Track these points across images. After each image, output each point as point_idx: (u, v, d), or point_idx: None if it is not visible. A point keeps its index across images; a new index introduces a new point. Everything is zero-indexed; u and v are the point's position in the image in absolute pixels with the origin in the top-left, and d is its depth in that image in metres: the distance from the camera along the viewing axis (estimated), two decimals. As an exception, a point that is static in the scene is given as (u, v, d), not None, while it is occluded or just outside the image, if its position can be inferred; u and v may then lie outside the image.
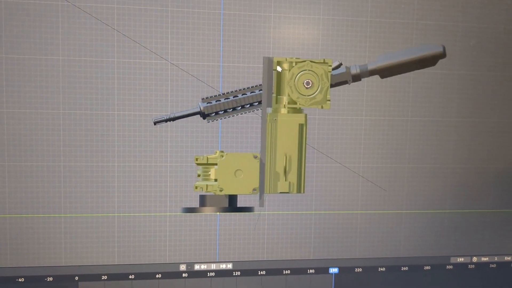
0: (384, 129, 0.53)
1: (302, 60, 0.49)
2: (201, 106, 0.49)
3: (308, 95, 0.49)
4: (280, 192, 0.50)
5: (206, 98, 0.49)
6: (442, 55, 0.51)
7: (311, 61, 0.49)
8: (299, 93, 0.49)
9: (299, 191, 0.50)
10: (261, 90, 0.49)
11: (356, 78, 0.50)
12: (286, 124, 0.49)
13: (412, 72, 0.52)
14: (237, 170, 0.49)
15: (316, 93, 0.49)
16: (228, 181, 0.49)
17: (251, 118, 0.50)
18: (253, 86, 0.50)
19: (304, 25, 0.50)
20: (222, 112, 0.49)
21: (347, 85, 0.51)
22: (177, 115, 0.49)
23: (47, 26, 0.47)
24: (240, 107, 0.49)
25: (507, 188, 0.56)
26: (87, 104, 0.48)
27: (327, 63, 0.49)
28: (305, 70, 0.49)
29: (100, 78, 0.48)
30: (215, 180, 0.49)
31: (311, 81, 0.49)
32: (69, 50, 0.47)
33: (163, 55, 0.48)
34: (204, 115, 0.49)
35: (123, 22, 0.48)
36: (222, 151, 0.50)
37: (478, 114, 0.54)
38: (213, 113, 0.49)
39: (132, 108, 0.49)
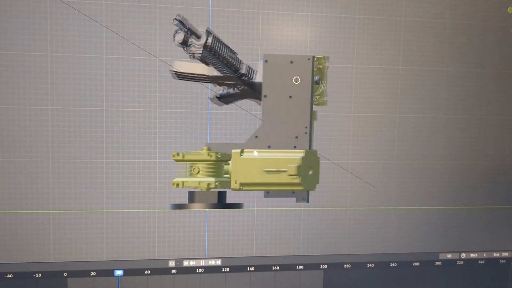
0: (373, 126, 0.53)
1: (318, 57, 0.49)
2: (206, 35, 0.47)
3: (316, 92, 0.49)
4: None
5: (210, 32, 0.48)
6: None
7: (317, 58, 0.49)
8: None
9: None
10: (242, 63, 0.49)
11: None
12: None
13: (400, 69, 0.52)
14: (310, 167, 0.50)
15: (321, 89, 0.49)
16: (306, 177, 0.49)
17: (239, 115, 0.50)
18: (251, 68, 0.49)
19: (292, 22, 0.50)
20: (217, 55, 0.47)
21: (336, 82, 0.51)
22: (190, 27, 0.47)
23: (36, 23, 0.47)
24: (225, 63, 0.47)
25: (495, 185, 0.56)
26: (76, 100, 0.48)
27: (324, 59, 0.49)
28: (315, 67, 0.49)
29: (89, 74, 0.48)
30: (297, 176, 0.49)
31: (320, 77, 0.49)
32: (58, 46, 0.47)
33: (151, 52, 0.48)
34: (205, 45, 0.47)
35: (111, 18, 0.48)
36: (209, 148, 0.50)
37: (467, 110, 0.54)
38: (211, 48, 0.47)
39: (120, 104, 0.49)
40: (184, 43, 0.47)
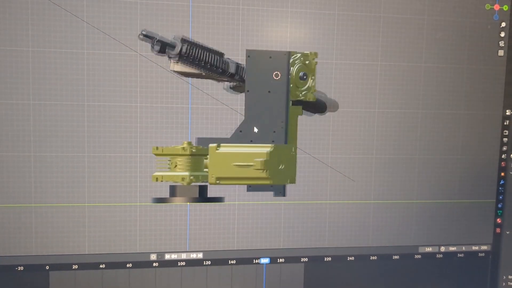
0: (353, 120, 0.54)
1: (294, 52, 0.50)
2: (181, 44, 0.48)
3: (301, 88, 0.50)
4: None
5: (186, 40, 0.48)
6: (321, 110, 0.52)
7: (303, 54, 0.50)
8: (296, 85, 0.50)
9: (293, 181, 0.52)
10: (238, 64, 0.49)
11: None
12: (291, 117, 0.50)
13: (379, 65, 0.53)
14: (280, 161, 0.50)
15: (308, 85, 0.50)
16: (275, 171, 0.50)
17: (220, 110, 0.51)
18: (229, 58, 0.50)
19: (272, 18, 0.51)
20: (197, 61, 0.48)
21: (317, 77, 0.52)
22: (160, 39, 0.48)
23: (17, 18, 0.47)
24: (209, 66, 0.48)
25: (474, 179, 0.57)
26: (57, 95, 0.48)
27: (314, 55, 0.50)
28: (300, 63, 0.50)
29: (70, 69, 0.48)
30: (264, 170, 0.49)
31: (306, 73, 0.50)
32: (39, 41, 0.48)
33: (132, 47, 0.49)
34: (180, 54, 0.48)
35: (92, 13, 0.48)
36: (190, 142, 0.50)
37: (445, 106, 0.55)
38: (189, 56, 0.48)
39: (101, 99, 0.49)
40: (163, 52, 0.48)
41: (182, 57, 0.48)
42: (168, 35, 0.49)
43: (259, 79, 0.50)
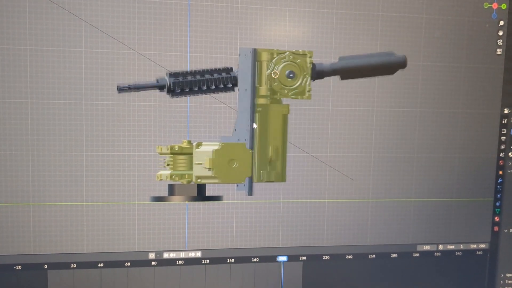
0: (351, 119, 0.54)
1: (283, 51, 0.50)
2: (169, 80, 0.49)
3: (290, 86, 0.50)
4: (267, 181, 0.51)
5: (173, 73, 0.49)
6: (403, 65, 0.52)
7: (292, 52, 0.50)
8: (282, 84, 0.50)
9: (282, 180, 0.52)
10: (229, 73, 0.49)
11: (319, 75, 0.51)
12: (272, 115, 0.50)
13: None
14: (231, 159, 0.50)
15: (299, 84, 0.50)
16: (223, 170, 0.50)
17: (218, 108, 0.51)
18: (220, 69, 0.50)
19: (270, 17, 0.51)
20: (188, 90, 0.49)
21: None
22: (141, 84, 0.49)
23: (14, 16, 0.47)
24: (206, 88, 0.49)
25: (472, 177, 0.57)
26: (55, 94, 0.48)
27: (307, 54, 0.50)
28: (287, 61, 0.50)
29: (68, 68, 0.48)
30: (210, 169, 0.50)
31: (294, 72, 0.50)
32: (37, 40, 0.47)
33: (130, 45, 0.49)
34: (169, 90, 0.49)
35: (90, 12, 0.48)
36: (190, 141, 0.50)
37: (443, 104, 0.55)
38: (179, 89, 0.49)
39: (99, 97, 0.49)
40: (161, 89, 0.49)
41: (174, 93, 0.48)
42: (167, 33, 0.49)
43: (244, 77, 0.50)
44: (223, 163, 0.50)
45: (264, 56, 0.50)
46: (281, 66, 0.50)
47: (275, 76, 0.50)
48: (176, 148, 0.50)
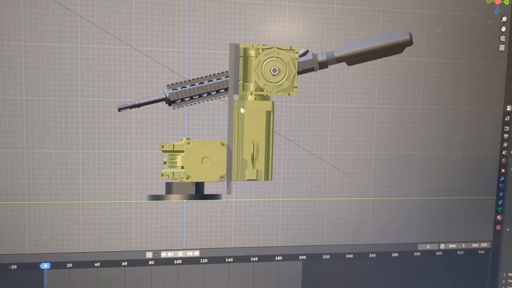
0: (352, 117, 0.53)
1: (268, 47, 0.49)
2: (167, 92, 0.49)
3: (275, 82, 0.49)
4: (248, 180, 0.50)
5: (171, 84, 0.49)
6: (409, 42, 0.51)
7: (277, 48, 0.49)
8: (266, 80, 0.49)
9: (266, 178, 0.51)
10: (228, 76, 0.49)
11: (323, 65, 0.50)
12: (253, 111, 0.49)
13: (378, 60, 0.52)
14: (204, 157, 0.49)
15: (283, 80, 0.49)
16: (195, 168, 0.49)
17: (217, 105, 0.50)
18: (219, 73, 0.49)
19: (270, 12, 0.50)
20: (188, 98, 0.49)
21: (313, 72, 0.51)
22: (142, 101, 0.49)
23: (9, 11, 0.46)
24: (206, 94, 0.49)
25: (474, 176, 0.56)
26: (50, 91, 0.48)
27: (293, 50, 0.49)
28: (272, 57, 0.49)
29: (64, 64, 0.47)
30: (182, 167, 0.49)
31: (278, 68, 0.49)
32: (32, 35, 0.47)
33: (127, 41, 0.48)
34: (169, 101, 0.49)
35: (86, 7, 0.47)
36: (189, 138, 0.50)
37: (445, 101, 0.54)
38: (178, 99, 0.49)
39: (96, 94, 0.48)
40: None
41: (175, 103, 0.48)
42: (164, 29, 0.48)
43: (235, 73, 0.49)
44: (196, 161, 0.49)
45: (250, 52, 0.49)
46: (266, 61, 0.49)
47: (274, 73, 0.49)
48: (174, 145, 0.49)
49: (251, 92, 0.49)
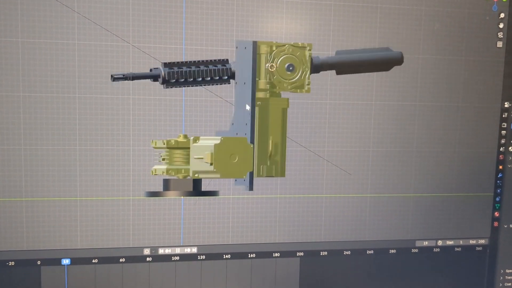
0: (349, 113, 0.53)
1: (282, 44, 0.49)
2: (163, 71, 0.48)
3: (289, 79, 0.49)
4: (266, 176, 0.50)
5: (168, 63, 0.48)
6: (399, 62, 0.51)
7: (291, 45, 0.49)
8: (281, 77, 0.49)
9: (282, 174, 0.51)
10: (224, 65, 0.49)
11: (316, 69, 0.50)
12: (271, 109, 0.49)
13: (376, 56, 0.52)
14: (232, 154, 0.49)
15: (297, 77, 0.49)
16: (224, 165, 0.49)
17: (214, 102, 0.50)
18: (216, 60, 0.49)
19: (267, 8, 0.50)
20: (183, 81, 0.48)
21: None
22: (136, 74, 0.47)
23: (6, 7, 0.46)
24: (201, 80, 0.48)
25: (471, 172, 0.56)
26: (48, 87, 0.47)
27: (306, 47, 0.49)
28: (287, 54, 0.49)
29: (61, 60, 0.47)
30: (211, 163, 0.49)
31: (293, 65, 0.49)
32: (29, 32, 0.47)
33: (124, 38, 0.48)
34: (164, 80, 0.48)
35: (83, 3, 0.47)
36: (186, 135, 0.50)
37: (443, 98, 0.54)
38: (173, 80, 0.48)
39: (93, 91, 0.48)
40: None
41: (169, 83, 0.47)
42: (161, 25, 0.48)
43: (239, 70, 0.49)
44: (224, 157, 0.49)
45: (263, 49, 0.49)
46: (280, 59, 0.49)
47: (272, 69, 0.49)
48: (173, 142, 0.49)
49: (264, 89, 0.49)
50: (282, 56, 0.49)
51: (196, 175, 0.49)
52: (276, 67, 0.49)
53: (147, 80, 0.49)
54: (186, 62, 0.48)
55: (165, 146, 0.49)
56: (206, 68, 0.48)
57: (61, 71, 0.48)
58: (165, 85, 0.48)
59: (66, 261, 0.50)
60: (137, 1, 0.48)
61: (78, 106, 0.48)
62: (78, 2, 0.47)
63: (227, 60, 0.49)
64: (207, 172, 0.49)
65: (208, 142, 0.49)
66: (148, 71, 0.48)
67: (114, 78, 0.47)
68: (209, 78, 0.48)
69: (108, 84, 0.48)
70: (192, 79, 0.48)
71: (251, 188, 0.51)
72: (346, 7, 0.51)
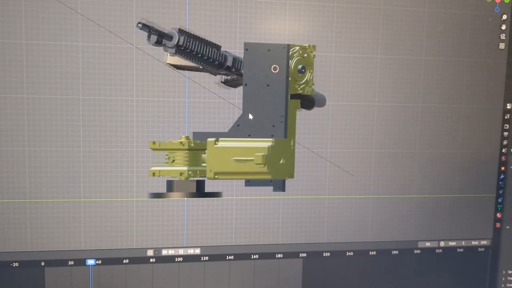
0: (352, 114, 0.53)
1: (294, 45, 0.49)
2: (178, 35, 0.47)
3: (300, 81, 0.49)
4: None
5: (184, 31, 0.47)
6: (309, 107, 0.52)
7: (301, 47, 0.49)
8: (294, 79, 0.49)
9: (291, 176, 0.51)
10: (228, 56, 0.49)
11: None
12: (290, 110, 0.50)
13: (379, 58, 0.52)
14: (279, 156, 0.49)
15: (306, 78, 0.49)
16: (275, 166, 0.49)
17: (217, 103, 0.50)
18: (226, 51, 0.49)
19: (270, 10, 0.50)
20: (194, 52, 0.47)
21: (314, 70, 0.51)
22: (157, 29, 0.47)
23: (10, 10, 0.46)
24: (206, 59, 0.48)
25: (474, 173, 0.56)
26: (52, 89, 0.48)
27: (311, 48, 0.49)
28: (298, 56, 0.49)
29: (65, 62, 0.48)
30: (264, 165, 0.49)
31: (305, 66, 0.49)
32: (33, 34, 0.47)
33: (128, 39, 0.48)
34: (177, 45, 0.47)
35: (87, 5, 0.47)
36: (188, 137, 0.50)
37: (445, 99, 0.54)
38: (186, 48, 0.47)
39: (97, 92, 0.48)
40: (159, 43, 0.47)
41: (179, 49, 0.47)
42: (165, 27, 0.48)
43: (257, 73, 0.49)
44: (274, 159, 0.49)
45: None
46: (294, 60, 0.49)
47: (275, 70, 0.49)
48: (192, 144, 0.49)
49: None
50: (296, 57, 0.49)
51: (216, 176, 0.49)
52: (291, 69, 0.49)
53: (151, 82, 0.49)
54: (198, 36, 0.48)
55: (185, 147, 0.49)
56: (215, 50, 0.47)
57: (65, 72, 0.48)
58: (175, 50, 0.47)
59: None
60: (140, 3, 0.48)
61: (82, 108, 0.48)
62: (82, 4, 0.47)
63: (220, 46, 0.49)
64: (256, 173, 0.49)
65: (233, 144, 0.49)
66: (152, 72, 0.48)
67: (142, 25, 0.46)
68: (217, 62, 0.48)
69: (112, 85, 0.48)
70: (200, 55, 0.47)
71: (284, 189, 0.51)
72: (349, 8, 0.51)
